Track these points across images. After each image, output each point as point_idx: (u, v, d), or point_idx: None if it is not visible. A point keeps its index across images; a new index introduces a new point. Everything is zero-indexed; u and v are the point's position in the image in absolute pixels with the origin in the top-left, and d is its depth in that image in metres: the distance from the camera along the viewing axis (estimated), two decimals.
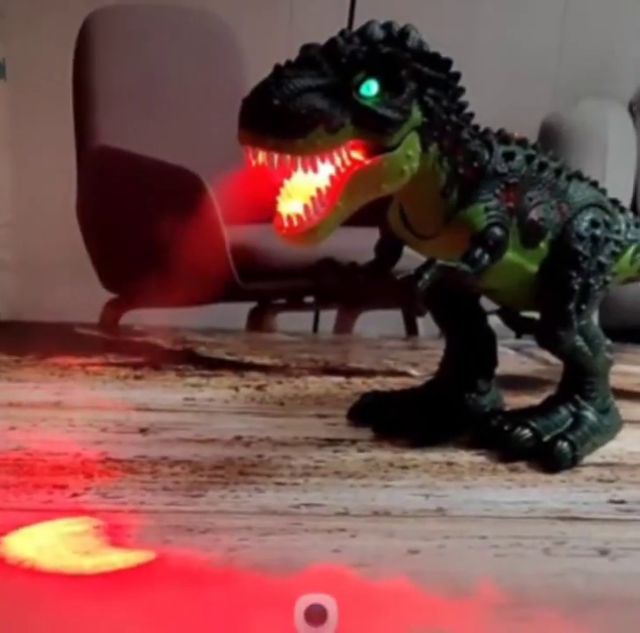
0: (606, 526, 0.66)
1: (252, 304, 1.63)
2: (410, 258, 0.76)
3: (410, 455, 0.78)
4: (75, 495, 0.67)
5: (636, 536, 0.64)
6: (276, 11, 2.15)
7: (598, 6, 2.32)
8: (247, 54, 1.78)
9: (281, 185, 0.66)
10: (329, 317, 1.71)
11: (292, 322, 1.63)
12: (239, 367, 1.07)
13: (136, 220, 1.37)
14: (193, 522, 0.63)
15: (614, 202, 0.85)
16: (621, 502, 0.70)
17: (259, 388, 0.98)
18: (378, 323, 1.55)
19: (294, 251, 1.34)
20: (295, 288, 1.57)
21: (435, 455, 0.78)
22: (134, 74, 1.72)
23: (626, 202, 0.91)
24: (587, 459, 0.79)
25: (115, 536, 0.61)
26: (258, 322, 1.59)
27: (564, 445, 0.77)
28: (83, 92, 1.66)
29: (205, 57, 1.81)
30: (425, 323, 1.69)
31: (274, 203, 0.67)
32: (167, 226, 1.27)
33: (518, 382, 1.02)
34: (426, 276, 0.67)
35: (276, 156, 0.62)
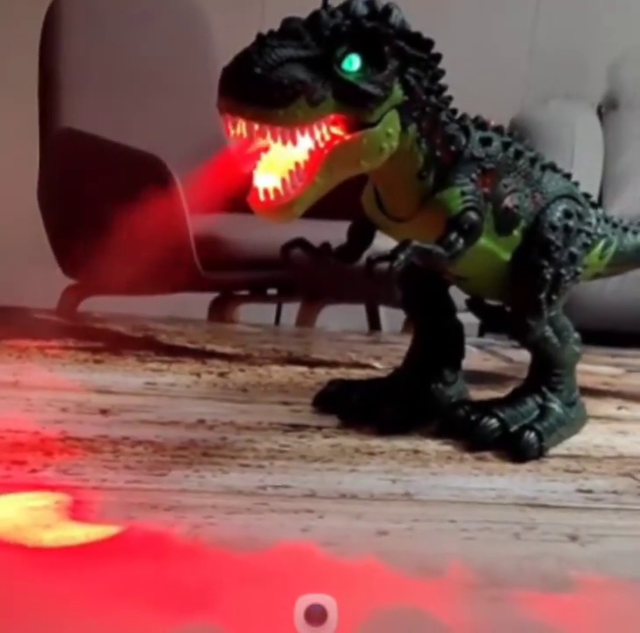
0: (575, 513, 0.66)
1: (214, 295, 1.62)
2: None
3: (377, 443, 0.77)
4: (34, 471, 0.65)
5: (605, 523, 0.64)
6: None
7: (569, 9, 2.35)
8: (218, 39, 1.77)
9: (258, 158, 0.65)
10: (291, 312, 1.70)
11: (253, 314, 1.61)
12: (201, 355, 1.06)
13: (98, 205, 1.35)
14: (157, 500, 0.61)
15: (586, 196, 0.85)
16: (589, 491, 0.70)
17: (222, 375, 0.97)
18: (340, 319, 1.54)
19: (258, 242, 1.34)
20: (258, 279, 1.56)
21: (401, 443, 0.77)
22: (101, 57, 1.70)
23: None
24: (553, 450, 0.79)
25: (77, 511, 0.59)
26: (219, 313, 1.58)
27: (531, 435, 0.77)
28: (48, 74, 1.64)
29: (174, 41, 1.80)
30: (388, 319, 1.69)
31: (245, 183, 0.66)
32: (130, 212, 1.25)
33: (481, 378, 1.02)
34: (402, 257, 0.67)
35: (256, 127, 0.61)
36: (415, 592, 0.52)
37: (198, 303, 1.55)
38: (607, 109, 2.15)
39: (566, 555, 0.58)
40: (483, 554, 0.58)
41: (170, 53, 1.78)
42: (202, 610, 0.48)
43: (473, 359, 1.12)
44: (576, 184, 0.83)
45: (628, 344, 1.32)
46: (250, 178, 0.66)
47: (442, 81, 0.72)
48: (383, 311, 1.70)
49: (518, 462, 0.75)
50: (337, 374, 0.99)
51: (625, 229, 0.89)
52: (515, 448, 0.76)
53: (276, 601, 0.49)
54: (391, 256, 0.67)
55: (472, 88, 1.85)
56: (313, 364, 1.05)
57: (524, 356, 0.85)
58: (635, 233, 0.90)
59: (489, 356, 1.19)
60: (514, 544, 0.59)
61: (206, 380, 0.95)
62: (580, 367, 0.86)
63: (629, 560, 0.59)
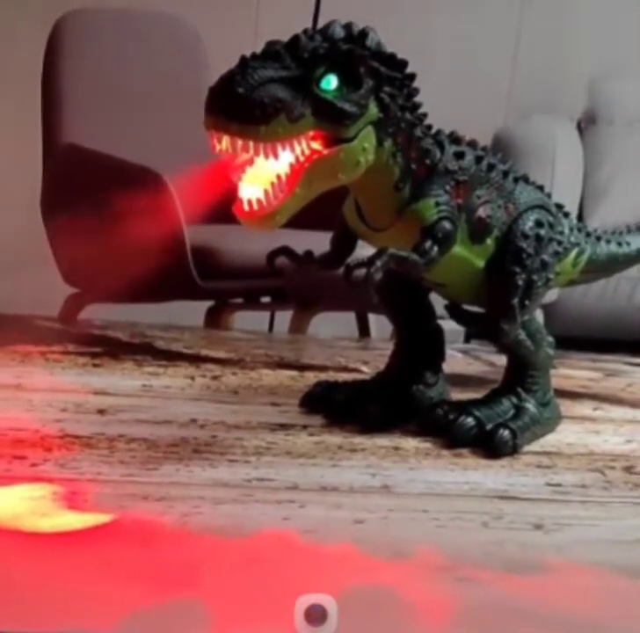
0: (542, 504, 0.70)
1: (209, 303, 1.66)
2: None
3: (359, 440, 0.81)
4: (34, 465, 0.69)
5: (570, 513, 0.68)
6: (242, 18, 2.20)
7: (550, 27, 2.40)
8: (213, 58, 1.82)
9: (243, 171, 0.69)
10: (284, 320, 1.74)
11: (248, 322, 1.66)
12: (195, 360, 1.10)
13: (99, 217, 1.40)
14: (149, 491, 0.65)
15: (559, 206, 0.89)
16: (558, 485, 0.74)
17: (215, 378, 1.01)
18: (332, 326, 1.58)
19: (252, 252, 1.38)
20: (252, 288, 1.60)
21: (382, 440, 0.81)
22: (101, 75, 1.76)
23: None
24: (527, 448, 0.82)
25: (73, 501, 0.63)
26: (214, 320, 1.62)
27: (505, 433, 0.81)
28: (51, 92, 1.70)
29: (171, 60, 1.86)
30: (377, 326, 1.73)
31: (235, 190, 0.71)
32: (129, 224, 1.29)
33: (464, 381, 1.05)
34: (379, 263, 0.71)
35: (239, 142, 0.65)
36: (386, 574, 0.56)
37: (194, 311, 1.59)
38: (586, 124, 2.21)
39: (530, 541, 0.62)
40: (452, 540, 0.62)
41: (166, 72, 1.84)
42: (186, 587, 0.52)
43: (457, 363, 1.16)
44: (548, 195, 0.87)
45: (610, 350, 1.36)
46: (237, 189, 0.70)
47: (420, 98, 0.76)
48: (373, 319, 1.74)
49: (492, 458, 0.79)
50: (325, 377, 1.03)
51: (598, 238, 0.93)
52: (490, 445, 0.80)
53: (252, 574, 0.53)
54: (369, 262, 0.71)
55: (456, 103, 1.90)
56: (303, 368, 1.09)
57: (505, 361, 0.88)
58: (608, 242, 0.94)
59: (472, 361, 1.23)
60: (482, 532, 0.63)
61: (199, 383, 0.99)
62: (560, 370, 0.90)
63: (590, 546, 0.63)
